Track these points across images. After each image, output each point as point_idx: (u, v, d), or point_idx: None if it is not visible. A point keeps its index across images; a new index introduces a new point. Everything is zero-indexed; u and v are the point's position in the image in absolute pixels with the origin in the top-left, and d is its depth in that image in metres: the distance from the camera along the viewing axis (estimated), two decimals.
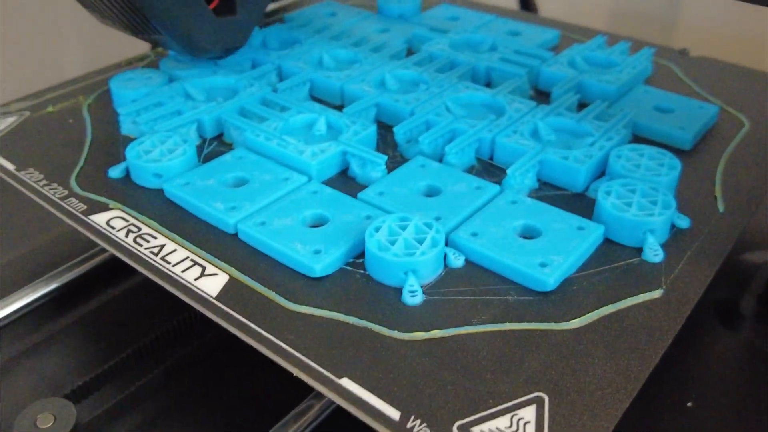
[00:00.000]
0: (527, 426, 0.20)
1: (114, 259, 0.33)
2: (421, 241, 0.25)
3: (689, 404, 0.28)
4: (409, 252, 0.25)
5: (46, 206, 0.31)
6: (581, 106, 0.36)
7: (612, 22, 0.80)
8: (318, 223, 0.28)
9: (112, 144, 0.35)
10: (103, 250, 0.35)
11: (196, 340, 0.32)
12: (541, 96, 0.38)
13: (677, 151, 0.33)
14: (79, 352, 0.33)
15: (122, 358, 0.31)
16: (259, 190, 0.29)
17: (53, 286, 0.35)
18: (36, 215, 0.41)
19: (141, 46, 0.44)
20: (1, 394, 0.31)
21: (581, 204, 0.29)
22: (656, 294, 0.25)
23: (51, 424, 0.27)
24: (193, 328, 0.33)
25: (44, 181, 0.32)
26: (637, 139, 0.34)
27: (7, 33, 0.66)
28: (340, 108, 0.36)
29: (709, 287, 0.25)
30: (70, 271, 0.35)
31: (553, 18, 0.62)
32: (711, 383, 0.30)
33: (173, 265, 0.27)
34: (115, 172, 0.32)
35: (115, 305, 0.36)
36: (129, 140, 0.34)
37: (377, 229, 0.26)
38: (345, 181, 0.31)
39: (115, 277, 0.37)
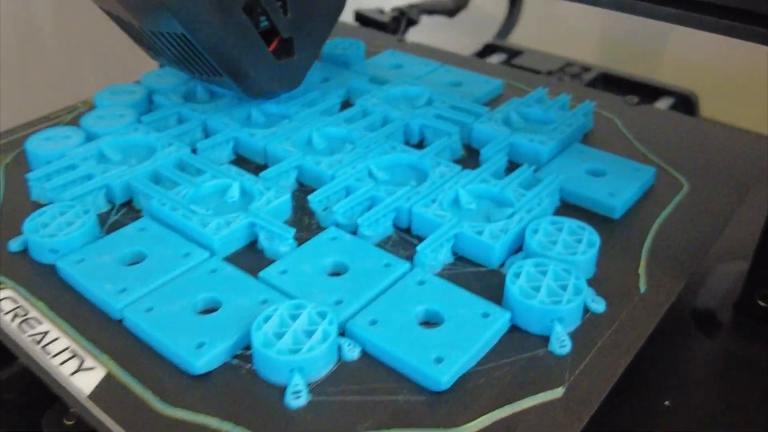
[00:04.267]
0: None
1: None
2: (312, 333, 0.24)
3: (666, 403, 0.28)
4: (296, 348, 0.23)
5: None
6: (513, 165, 0.35)
7: (600, 52, 0.79)
8: (211, 307, 0.26)
9: (21, 211, 0.33)
10: None
11: None
12: (473, 154, 0.36)
13: (606, 219, 0.31)
14: None
15: None
16: (155, 268, 0.28)
17: None
18: None
19: (151, 63, 0.43)
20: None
21: (496, 281, 0.28)
22: (557, 393, 0.23)
23: (75, 421, 0.28)
24: None
25: None
26: (566, 205, 0.32)
27: (20, 56, 0.65)
28: (264, 167, 0.35)
29: (687, 296, 0.24)
30: None
31: (530, 46, 0.61)
32: (689, 386, 0.29)
33: (53, 356, 0.25)
34: (14, 245, 0.31)
35: None
36: (38, 206, 0.33)
37: (266, 320, 0.24)
38: (252, 255, 0.30)
39: None
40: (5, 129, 0.40)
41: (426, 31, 0.64)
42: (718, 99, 0.59)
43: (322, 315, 0.24)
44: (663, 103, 0.54)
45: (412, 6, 0.59)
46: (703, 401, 0.28)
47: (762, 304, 0.31)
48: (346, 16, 0.58)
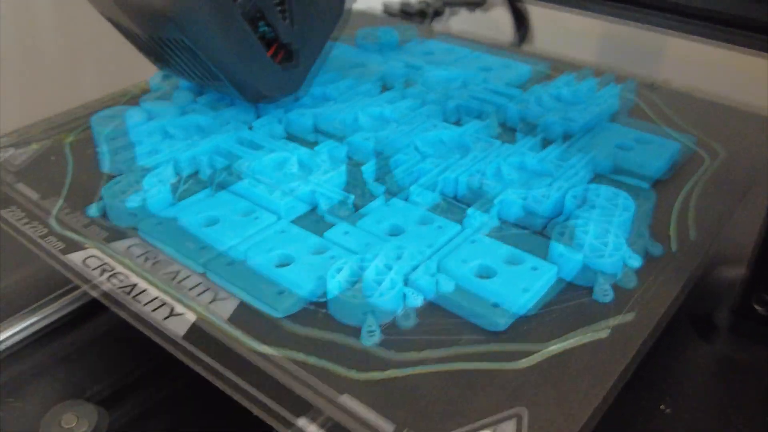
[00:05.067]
0: None
1: None
2: (380, 282, 0.27)
3: (662, 407, 0.29)
4: (369, 293, 0.26)
5: (27, 244, 0.32)
6: (546, 143, 0.37)
7: (602, 51, 0.81)
8: (284, 262, 0.29)
9: (92, 182, 0.36)
10: None
11: None
12: (508, 133, 0.39)
13: (636, 189, 0.34)
14: (107, 359, 0.34)
15: (147, 366, 0.32)
16: (229, 229, 0.31)
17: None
18: None
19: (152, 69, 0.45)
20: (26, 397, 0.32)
21: (539, 242, 0.30)
22: (602, 335, 0.26)
23: (74, 425, 0.29)
24: None
25: (25, 219, 0.33)
26: (598, 177, 0.35)
27: (24, 58, 0.67)
28: (314, 145, 0.38)
29: (685, 300, 0.26)
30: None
31: (535, 51, 0.64)
32: (686, 391, 0.30)
33: (144, 305, 0.28)
34: (92, 210, 0.33)
35: None
36: (108, 178, 0.35)
37: (339, 270, 0.27)
38: (314, 220, 0.32)
39: None
40: (6, 131, 0.42)
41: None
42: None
43: (389, 266, 0.27)
44: None
45: None
46: (701, 406, 0.29)
47: (759, 308, 0.32)
48: (375, 7, 0.61)
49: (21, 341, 0.35)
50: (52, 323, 0.36)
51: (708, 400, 0.30)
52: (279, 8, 0.36)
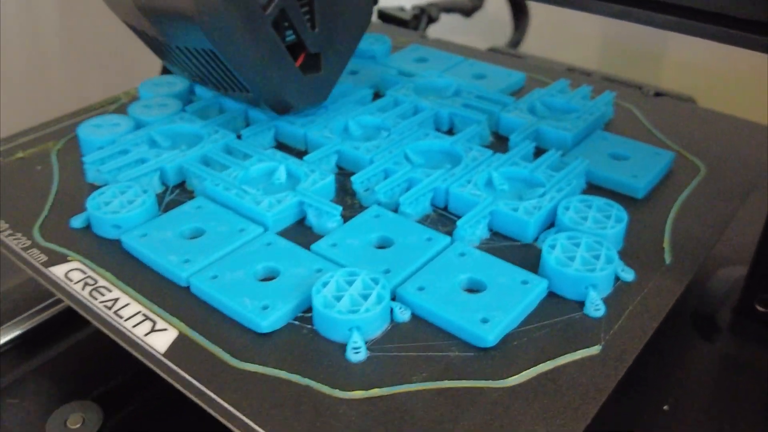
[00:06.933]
0: None
1: None
2: (367, 297, 0.26)
3: (665, 407, 0.29)
4: (354, 309, 0.25)
5: (9, 256, 0.31)
6: (540, 151, 0.37)
7: (600, 56, 0.81)
8: (270, 275, 0.29)
9: (77, 192, 0.35)
10: None
11: None
12: (501, 141, 0.39)
13: (630, 200, 0.34)
14: (111, 359, 0.34)
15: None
16: (214, 241, 0.30)
17: None
18: None
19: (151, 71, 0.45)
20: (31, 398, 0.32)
21: (530, 255, 0.30)
22: (594, 351, 0.25)
23: (80, 425, 0.30)
24: None
25: (8, 231, 0.32)
26: (592, 187, 0.35)
27: (29, 60, 0.67)
28: (304, 153, 0.37)
29: (687, 300, 0.26)
30: None
31: (533, 53, 0.63)
32: (688, 390, 0.30)
33: (125, 320, 0.27)
34: (77, 222, 0.33)
35: None
36: (94, 188, 0.35)
37: (324, 285, 0.26)
38: (302, 231, 0.32)
39: None
40: (6, 135, 0.42)
41: (437, 35, 0.66)
42: (717, 103, 0.61)
43: (375, 281, 0.27)
44: None
45: (431, 4, 0.61)
46: (702, 406, 0.29)
47: (761, 309, 0.32)
48: None
49: (24, 341, 0.35)
50: (54, 323, 0.36)
51: (710, 400, 0.30)
52: (307, 16, 0.35)
